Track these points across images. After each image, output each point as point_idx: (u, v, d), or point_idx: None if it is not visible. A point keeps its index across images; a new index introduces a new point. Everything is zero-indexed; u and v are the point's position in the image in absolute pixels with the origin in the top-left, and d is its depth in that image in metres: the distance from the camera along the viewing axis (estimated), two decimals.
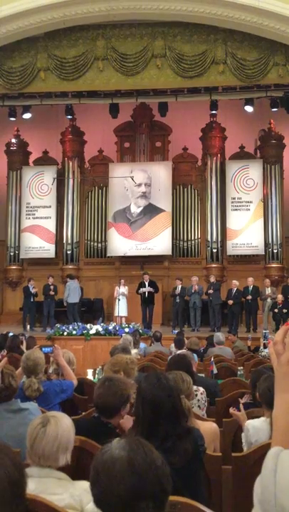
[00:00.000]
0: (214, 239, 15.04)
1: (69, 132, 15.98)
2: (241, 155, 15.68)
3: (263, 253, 15.02)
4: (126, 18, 12.01)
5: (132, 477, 1.16)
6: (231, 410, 3.50)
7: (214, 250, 15.04)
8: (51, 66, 12.64)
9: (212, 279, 13.63)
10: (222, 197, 15.26)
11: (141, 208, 15.48)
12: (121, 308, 12.97)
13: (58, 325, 11.90)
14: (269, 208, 15.06)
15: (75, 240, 15.62)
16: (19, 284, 15.81)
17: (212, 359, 6.36)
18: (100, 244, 15.76)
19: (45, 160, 16.42)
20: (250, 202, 15.13)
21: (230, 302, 12.93)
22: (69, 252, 15.56)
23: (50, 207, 15.87)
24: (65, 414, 2.27)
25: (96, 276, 15.73)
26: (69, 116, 14.94)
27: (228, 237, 15.10)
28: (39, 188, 15.92)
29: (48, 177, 15.81)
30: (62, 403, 3.99)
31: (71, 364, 4.41)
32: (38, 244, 15.73)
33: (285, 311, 12.44)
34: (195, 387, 3.82)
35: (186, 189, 15.77)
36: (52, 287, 13.64)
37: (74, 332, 11.13)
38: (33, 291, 13.59)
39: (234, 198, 15.22)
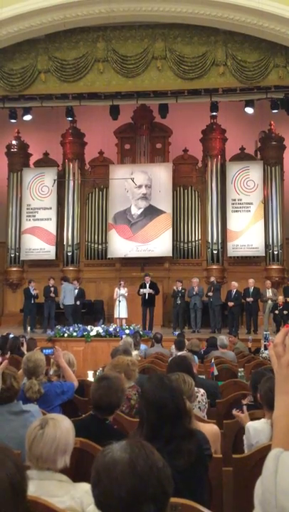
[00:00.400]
0: (215, 240, 15.04)
1: (69, 134, 15.99)
2: (242, 156, 15.69)
3: (264, 254, 15.02)
4: (126, 19, 12.03)
5: (133, 479, 1.16)
6: (234, 412, 3.50)
7: (215, 252, 15.04)
8: (52, 68, 12.66)
9: (211, 280, 13.60)
10: (222, 198, 15.27)
11: (141, 210, 15.48)
12: (121, 310, 12.97)
13: (58, 326, 11.90)
14: (269, 210, 15.06)
15: (75, 242, 15.63)
16: (20, 285, 15.81)
17: (212, 361, 6.36)
18: (100, 246, 15.76)
19: (45, 162, 16.44)
20: (251, 203, 15.14)
21: (231, 304, 12.93)
22: (69, 254, 15.56)
23: (50, 208, 15.88)
24: (65, 417, 2.27)
25: (96, 277, 15.74)
26: (69, 118, 14.94)
27: (229, 238, 15.10)
28: (39, 189, 15.93)
29: (48, 179, 15.82)
30: (62, 405, 3.99)
31: (71, 366, 4.41)
32: (38, 246, 15.74)
33: (285, 312, 12.44)
34: (195, 389, 3.81)
35: (186, 190, 15.78)
36: (52, 289, 13.65)
37: (74, 334, 11.12)
38: (33, 292, 13.60)
39: (234, 200, 15.23)
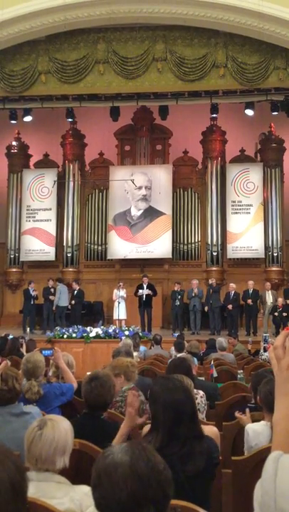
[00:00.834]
0: (214, 242, 15.04)
1: (70, 135, 16.00)
2: (242, 158, 15.70)
3: (263, 256, 15.02)
4: (127, 21, 12.04)
5: (134, 483, 1.15)
6: (237, 414, 3.49)
7: (214, 253, 15.05)
8: (52, 69, 12.67)
9: (211, 282, 13.54)
10: (222, 200, 15.28)
11: (141, 211, 15.49)
12: (120, 311, 12.97)
13: (57, 327, 11.89)
14: (269, 212, 15.07)
15: (75, 243, 15.62)
16: (19, 286, 15.81)
17: (212, 362, 6.35)
18: (100, 247, 15.76)
19: (45, 163, 16.44)
20: (251, 205, 15.15)
21: (230, 307, 12.92)
22: (69, 255, 15.56)
23: (50, 209, 15.88)
24: (64, 418, 2.27)
25: (96, 279, 15.73)
26: (70, 119, 14.96)
27: (229, 240, 15.10)
28: (39, 190, 15.94)
29: (48, 180, 15.83)
30: (62, 406, 3.99)
31: (70, 367, 4.41)
32: (38, 247, 15.74)
33: (285, 314, 12.44)
34: (195, 391, 3.81)
35: (186, 192, 15.78)
36: (52, 290, 13.65)
37: (74, 335, 11.11)
38: (33, 293, 13.60)
39: (234, 202, 15.24)
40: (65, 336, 11.13)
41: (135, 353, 6.97)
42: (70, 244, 15.58)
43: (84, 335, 11.03)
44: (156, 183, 15.36)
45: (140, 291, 13.01)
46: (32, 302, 13.65)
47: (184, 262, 15.56)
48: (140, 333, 10.79)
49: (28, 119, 14.15)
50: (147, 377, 5.59)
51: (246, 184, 15.22)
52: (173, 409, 2.19)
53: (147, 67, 12.46)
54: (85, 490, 2.00)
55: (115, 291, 13.31)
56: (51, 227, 15.81)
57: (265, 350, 8.51)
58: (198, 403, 3.91)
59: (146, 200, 15.46)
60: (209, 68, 12.30)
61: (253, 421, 3.34)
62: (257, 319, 13.15)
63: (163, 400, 2.24)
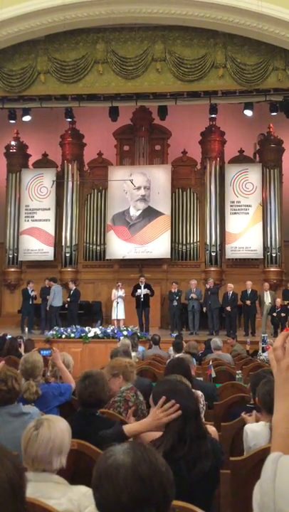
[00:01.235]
0: (213, 242, 15.05)
1: (68, 135, 15.99)
2: (240, 159, 15.71)
3: (262, 257, 15.03)
4: (126, 21, 12.05)
5: (135, 485, 1.15)
6: (243, 415, 3.49)
7: (213, 254, 15.05)
8: (51, 69, 12.67)
9: (209, 285, 13.48)
10: (221, 200, 15.28)
11: (140, 211, 15.48)
12: (119, 311, 12.97)
13: (56, 327, 11.89)
14: (268, 212, 15.08)
15: (73, 243, 15.62)
16: (17, 286, 15.80)
17: (210, 363, 6.35)
18: (98, 247, 15.76)
19: (44, 162, 16.44)
20: (249, 206, 15.16)
21: (228, 308, 12.91)
22: (68, 255, 15.55)
23: (49, 209, 15.87)
24: (61, 418, 2.27)
25: (95, 279, 15.73)
26: (69, 119, 14.96)
27: (227, 240, 15.11)
28: (38, 190, 15.93)
29: (47, 179, 15.82)
30: (60, 406, 3.99)
31: (68, 367, 4.40)
32: (36, 247, 15.73)
33: (283, 314, 12.45)
34: (193, 391, 3.81)
35: (185, 192, 15.79)
36: (50, 290, 13.63)
37: (72, 335, 11.11)
38: (32, 294, 13.58)
39: (233, 202, 15.24)
40: (63, 336, 11.13)
41: (133, 353, 6.97)
42: (68, 244, 15.57)
43: (82, 335, 11.04)
44: (155, 183, 15.37)
45: (138, 290, 13.01)
46: (30, 302, 13.64)
47: (182, 262, 15.56)
48: (138, 333, 10.79)
49: (27, 118, 14.14)
50: (146, 377, 5.59)
51: (245, 184, 15.23)
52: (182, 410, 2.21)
53: (146, 68, 12.46)
54: (83, 490, 2.00)
55: (114, 291, 13.31)
56: (50, 227, 15.80)
57: (263, 350, 8.51)
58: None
59: (145, 200, 15.46)
60: (208, 69, 12.30)
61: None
62: (255, 320, 13.16)
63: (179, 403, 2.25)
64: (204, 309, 13.19)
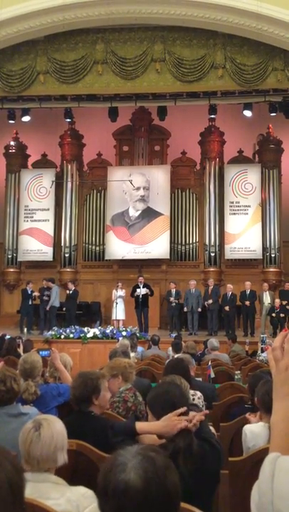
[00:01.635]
0: (212, 243, 15.05)
1: (68, 135, 15.99)
2: (240, 159, 15.72)
3: (261, 257, 15.03)
4: (125, 22, 12.05)
5: (143, 507, 1.11)
6: (247, 415, 3.49)
7: (212, 254, 15.06)
8: (51, 69, 12.67)
9: (210, 285, 13.49)
10: (220, 201, 15.29)
11: (139, 212, 15.48)
12: (118, 312, 12.96)
13: (55, 328, 11.88)
14: (267, 213, 15.09)
15: (73, 243, 15.61)
16: (17, 286, 15.80)
17: (209, 363, 6.35)
18: (98, 248, 15.75)
19: (43, 163, 16.43)
20: (249, 206, 15.16)
21: (227, 308, 12.92)
22: (67, 255, 15.54)
23: (48, 210, 15.87)
24: (56, 417, 2.29)
25: (94, 279, 15.72)
26: (68, 120, 14.95)
27: (226, 241, 15.11)
28: (37, 190, 15.92)
29: (46, 180, 15.81)
30: (59, 407, 3.99)
31: (66, 367, 4.40)
32: (36, 247, 15.72)
33: (282, 315, 12.45)
34: (192, 392, 3.81)
35: (184, 193, 15.79)
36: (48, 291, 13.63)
37: (71, 335, 11.11)
38: (33, 294, 13.60)
39: (232, 202, 15.24)
40: (62, 337, 11.12)
41: (132, 354, 6.97)
42: (67, 244, 15.57)
43: (81, 335, 11.03)
44: (154, 184, 15.36)
45: (138, 290, 13.01)
46: (30, 302, 13.64)
47: (181, 262, 15.56)
48: (138, 334, 10.79)
49: (26, 119, 14.14)
50: (145, 377, 5.60)
51: (244, 185, 15.24)
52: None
53: (146, 68, 12.46)
54: (82, 491, 2.00)
55: (114, 291, 13.30)
56: (49, 228, 15.80)
57: (262, 351, 8.52)
58: (196, 404, 3.91)
59: (144, 200, 15.46)
60: (208, 69, 12.31)
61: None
62: (254, 320, 13.16)
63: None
64: (199, 309, 13.19)
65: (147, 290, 13.02)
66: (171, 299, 13.31)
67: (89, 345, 10.89)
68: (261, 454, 2.50)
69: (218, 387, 5.48)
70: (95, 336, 11.05)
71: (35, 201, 15.91)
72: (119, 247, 15.30)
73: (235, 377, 6.23)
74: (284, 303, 12.76)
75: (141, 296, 12.89)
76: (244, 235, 15.04)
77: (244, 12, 10.94)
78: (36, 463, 2.05)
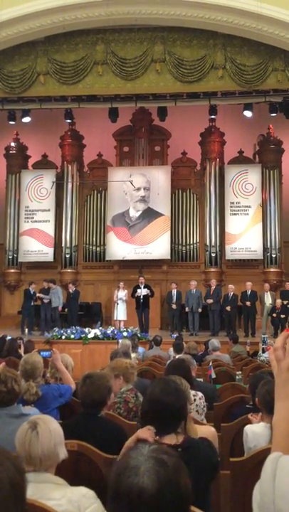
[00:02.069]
0: (213, 243, 15.05)
1: (68, 136, 16.00)
2: (240, 160, 15.72)
3: (262, 257, 15.03)
4: (125, 22, 12.05)
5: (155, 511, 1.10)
6: (250, 416, 3.49)
7: (213, 255, 15.05)
8: (51, 70, 12.68)
9: (212, 286, 13.47)
10: (221, 201, 15.29)
11: (140, 212, 15.49)
12: (120, 312, 12.95)
13: (56, 328, 11.88)
14: (268, 213, 15.09)
15: (73, 244, 15.62)
16: (17, 287, 15.80)
17: (210, 364, 6.35)
18: (98, 248, 15.76)
19: (44, 164, 16.44)
20: (249, 206, 15.16)
21: (228, 308, 12.91)
22: (67, 256, 15.55)
23: (48, 210, 15.87)
24: (48, 416, 2.32)
25: (94, 280, 15.73)
26: (68, 121, 14.96)
27: (227, 241, 15.11)
28: (38, 191, 15.93)
29: (47, 181, 15.81)
30: (60, 407, 3.99)
31: (67, 368, 4.40)
32: (36, 248, 15.73)
33: (283, 316, 12.44)
34: (193, 392, 3.81)
35: (184, 193, 15.79)
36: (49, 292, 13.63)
37: (72, 336, 11.10)
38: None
39: (233, 203, 15.25)
40: (63, 337, 11.11)
41: (133, 355, 6.96)
42: (68, 245, 15.57)
43: (82, 336, 11.02)
44: (154, 184, 15.37)
45: (138, 290, 13.01)
46: (32, 303, 13.65)
47: (182, 263, 15.56)
48: (139, 334, 10.78)
49: (26, 120, 14.14)
50: (146, 378, 5.59)
51: (245, 185, 15.24)
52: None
53: (146, 69, 12.46)
54: (84, 491, 2.00)
55: (116, 292, 13.29)
56: (50, 228, 15.80)
57: (263, 351, 8.50)
58: (197, 405, 3.91)
59: (145, 201, 15.46)
60: (208, 69, 12.31)
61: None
62: (255, 320, 13.16)
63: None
64: (199, 309, 13.19)
65: (148, 291, 13.02)
66: (173, 306, 13.31)
67: (90, 346, 10.89)
68: (262, 455, 2.50)
69: (219, 387, 5.47)
70: (95, 337, 11.04)
71: (35, 202, 15.92)
72: (119, 248, 15.31)
73: (236, 377, 6.22)
74: (285, 303, 12.76)
75: (142, 296, 12.89)
76: (245, 236, 15.04)
77: (244, 12, 10.94)
78: (39, 461, 2.05)
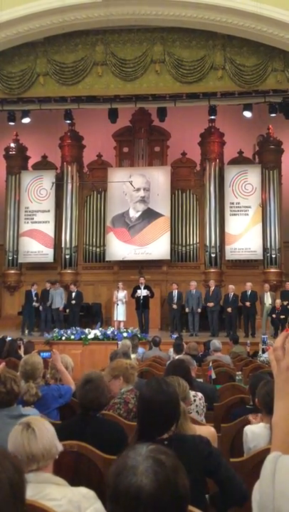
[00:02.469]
0: (213, 244, 15.05)
1: (68, 137, 16.00)
2: (240, 160, 15.72)
3: (262, 258, 15.03)
4: (125, 23, 12.06)
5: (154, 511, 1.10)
6: (250, 417, 3.49)
7: (213, 255, 15.05)
8: (50, 71, 12.68)
9: (211, 286, 13.48)
10: (220, 202, 15.29)
11: (139, 213, 15.49)
12: (119, 313, 12.95)
13: (56, 329, 11.88)
14: (267, 213, 15.09)
15: (73, 245, 15.62)
16: (17, 288, 15.81)
17: (210, 364, 6.35)
18: (98, 249, 15.76)
19: (44, 164, 16.44)
20: (249, 207, 15.17)
21: (229, 310, 12.91)
22: (67, 257, 15.55)
23: (48, 211, 15.88)
24: (35, 415, 2.35)
25: (94, 280, 15.72)
26: (68, 121, 14.96)
27: (227, 241, 15.11)
28: (38, 192, 15.93)
29: (46, 181, 15.82)
30: (60, 408, 3.99)
31: (67, 369, 4.40)
32: (36, 249, 15.73)
33: (283, 316, 12.44)
34: (193, 393, 3.81)
35: (184, 194, 15.79)
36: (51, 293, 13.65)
37: (72, 337, 11.10)
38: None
39: (233, 203, 15.25)
40: (63, 338, 11.11)
41: (133, 355, 6.96)
42: (68, 245, 15.58)
43: (82, 337, 11.02)
44: (154, 185, 15.37)
45: (138, 291, 13.01)
46: (33, 304, 13.67)
47: (182, 263, 15.56)
48: (139, 335, 10.77)
49: (26, 120, 14.14)
50: (146, 379, 5.59)
51: (244, 186, 15.24)
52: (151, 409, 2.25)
53: (145, 69, 12.47)
54: (84, 492, 2.00)
55: (115, 292, 13.29)
56: (49, 229, 15.81)
57: (263, 351, 8.50)
58: (197, 405, 3.91)
59: (145, 201, 15.47)
60: (207, 70, 12.32)
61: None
62: (255, 321, 13.16)
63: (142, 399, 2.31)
64: (199, 310, 13.20)
65: (148, 292, 13.02)
66: (174, 306, 13.32)
67: (90, 347, 10.88)
68: (262, 455, 2.50)
69: (219, 388, 5.47)
70: (95, 337, 11.03)
71: (35, 203, 15.92)
72: (119, 248, 15.31)
73: (236, 378, 6.22)
74: (285, 303, 12.76)
75: (141, 297, 12.89)
76: (244, 236, 15.04)
77: (244, 13, 10.94)
78: (42, 457, 2.05)
